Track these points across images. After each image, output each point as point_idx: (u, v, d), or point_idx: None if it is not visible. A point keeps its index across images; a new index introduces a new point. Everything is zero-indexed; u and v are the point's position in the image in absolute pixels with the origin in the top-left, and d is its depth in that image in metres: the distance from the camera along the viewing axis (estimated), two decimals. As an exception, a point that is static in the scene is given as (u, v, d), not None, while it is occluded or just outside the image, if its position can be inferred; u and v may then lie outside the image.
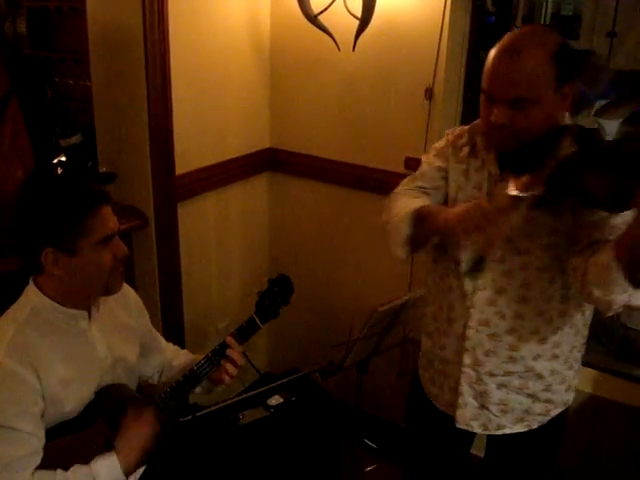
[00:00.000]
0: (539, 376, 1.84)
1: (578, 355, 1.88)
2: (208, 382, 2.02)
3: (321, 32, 2.65)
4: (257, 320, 2.02)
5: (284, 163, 3.14)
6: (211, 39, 2.70)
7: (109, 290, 1.76)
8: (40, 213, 1.63)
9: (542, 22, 9.87)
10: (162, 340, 2.14)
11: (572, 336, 1.82)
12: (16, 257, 1.72)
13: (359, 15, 2.53)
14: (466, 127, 1.86)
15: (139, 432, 1.76)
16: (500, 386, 1.85)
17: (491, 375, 1.84)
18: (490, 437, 1.96)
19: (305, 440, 2.74)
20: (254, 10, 2.87)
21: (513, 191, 1.51)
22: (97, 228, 1.64)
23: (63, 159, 2.60)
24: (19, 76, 2.37)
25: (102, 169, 2.56)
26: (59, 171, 2.57)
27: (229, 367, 1.96)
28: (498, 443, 1.97)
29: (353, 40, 2.60)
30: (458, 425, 1.92)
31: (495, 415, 1.88)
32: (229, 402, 2.57)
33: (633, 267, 1.42)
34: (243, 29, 2.85)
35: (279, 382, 2.71)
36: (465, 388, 1.88)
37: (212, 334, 2.99)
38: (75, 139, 2.58)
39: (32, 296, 1.70)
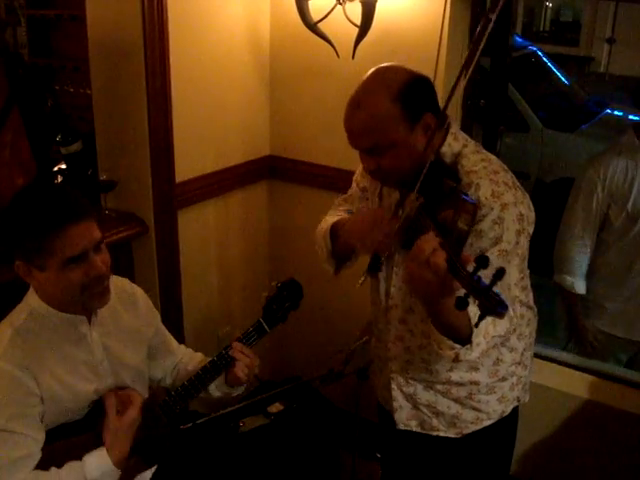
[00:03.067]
0: (459, 384, 1.87)
1: (511, 368, 1.88)
2: (225, 385, 2.00)
3: (321, 40, 2.66)
4: (264, 324, 1.98)
5: (284, 170, 3.14)
6: (211, 47, 2.71)
7: (87, 308, 1.73)
8: (11, 226, 1.62)
9: (542, 28, 9.93)
10: (174, 342, 2.12)
11: (491, 350, 1.79)
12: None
13: (358, 23, 2.54)
14: None
15: (124, 420, 1.75)
16: (427, 388, 1.91)
17: (414, 379, 1.91)
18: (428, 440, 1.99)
19: (305, 447, 2.74)
20: (254, 18, 2.87)
21: None
22: (62, 248, 1.58)
23: (63, 167, 2.61)
24: (19, 84, 2.38)
25: (102, 176, 2.56)
26: (59, 179, 2.58)
27: (239, 367, 1.93)
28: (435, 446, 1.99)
29: (352, 48, 2.60)
30: (398, 427, 1.98)
31: (427, 416, 1.93)
32: (229, 409, 2.56)
33: (445, 332, 1.52)
34: (243, 37, 2.85)
35: (279, 389, 2.71)
36: (397, 392, 1.96)
37: (213, 341, 2.99)
38: (75, 147, 2.60)
39: (31, 300, 1.71)
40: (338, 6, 2.58)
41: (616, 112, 6.35)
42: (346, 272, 3.06)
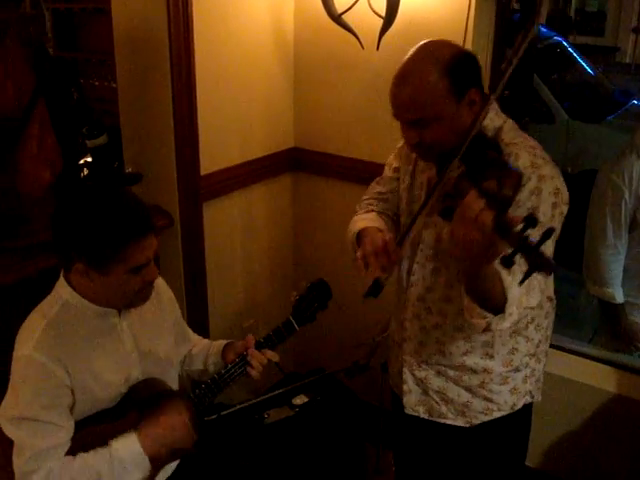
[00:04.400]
0: (472, 370, 1.87)
1: (525, 359, 1.87)
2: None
3: (345, 31, 2.65)
4: (294, 322, 2.02)
5: (308, 162, 3.13)
6: (235, 39, 2.71)
7: (131, 306, 1.78)
8: (81, 229, 1.61)
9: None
10: (189, 331, 2.16)
11: (507, 338, 1.82)
12: (48, 255, 1.72)
13: (383, 14, 2.52)
14: None
15: (170, 424, 1.76)
16: (438, 374, 1.92)
17: (427, 363, 1.92)
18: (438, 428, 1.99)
19: (330, 439, 2.75)
20: (278, 10, 2.87)
21: None
22: (134, 257, 1.62)
23: (89, 160, 2.62)
24: (45, 77, 2.39)
25: (128, 169, 2.58)
26: (85, 172, 2.59)
27: (250, 371, 1.96)
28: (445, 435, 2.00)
29: (377, 39, 2.59)
30: (406, 411, 2.00)
31: (437, 403, 1.94)
32: (254, 401, 2.58)
33: (479, 299, 1.52)
34: (267, 29, 2.85)
35: (304, 381, 2.72)
36: (408, 375, 1.97)
37: (237, 333, 3.00)
38: (101, 140, 2.59)
39: (63, 292, 1.72)
40: (363, -3, 2.57)
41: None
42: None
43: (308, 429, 2.71)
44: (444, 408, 1.94)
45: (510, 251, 1.26)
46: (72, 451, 1.68)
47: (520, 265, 1.29)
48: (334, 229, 3.16)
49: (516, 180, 1.47)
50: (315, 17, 2.78)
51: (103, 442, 1.70)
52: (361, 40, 2.66)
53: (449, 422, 1.95)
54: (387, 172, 2.07)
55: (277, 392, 2.65)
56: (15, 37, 2.21)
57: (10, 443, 1.67)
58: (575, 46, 6.57)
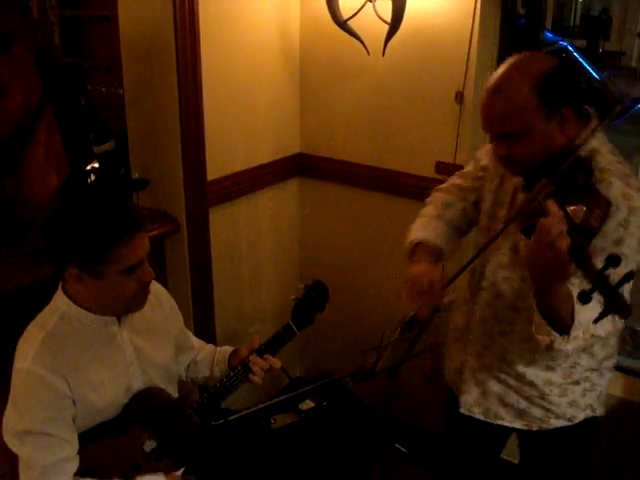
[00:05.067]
0: (531, 384, 1.87)
1: (588, 374, 1.86)
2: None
3: (351, 37, 2.65)
4: (293, 327, 2.01)
5: (314, 168, 3.14)
6: (241, 45, 2.72)
7: (129, 311, 1.76)
8: (70, 233, 1.61)
9: (572, 23, 9.80)
10: (192, 338, 2.15)
11: (573, 354, 1.79)
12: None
13: (389, 20, 2.53)
14: None
15: None
16: (499, 380, 1.92)
17: (489, 368, 1.93)
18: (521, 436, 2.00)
19: (336, 445, 2.74)
20: (284, 15, 2.88)
21: None
22: (126, 257, 1.60)
23: (96, 166, 2.63)
24: (53, 84, 2.40)
25: (135, 175, 2.59)
26: (92, 178, 2.60)
27: (252, 377, 1.96)
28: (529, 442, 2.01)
29: (383, 45, 2.60)
30: (461, 410, 2.00)
31: (494, 405, 1.94)
32: (260, 406, 2.58)
33: (547, 316, 1.54)
34: (273, 34, 2.86)
35: (310, 387, 2.71)
36: (469, 375, 1.98)
37: (244, 338, 2.99)
38: (108, 146, 2.61)
39: (60, 303, 1.71)
40: (368, 3, 2.57)
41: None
42: (378, 268, 3.08)
43: (314, 434, 2.70)
44: (502, 411, 1.95)
45: (589, 288, 1.28)
46: (81, 468, 1.67)
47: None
48: (341, 235, 3.17)
49: (604, 211, 1.46)
50: (321, 23, 2.78)
51: (110, 456, 1.72)
52: (367, 46, 2.67)
53: (506, 424, 1.95)
54: (471, 167, 2.03)
55: (283, 397, 2.64)
56: (22, 44, 2.21)
57: (15, 455, 1.66)
58: (580, 50, 6.55)
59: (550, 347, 1.60)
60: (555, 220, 1.36)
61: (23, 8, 2.46)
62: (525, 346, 1.81)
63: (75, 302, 1.70)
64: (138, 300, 1.73)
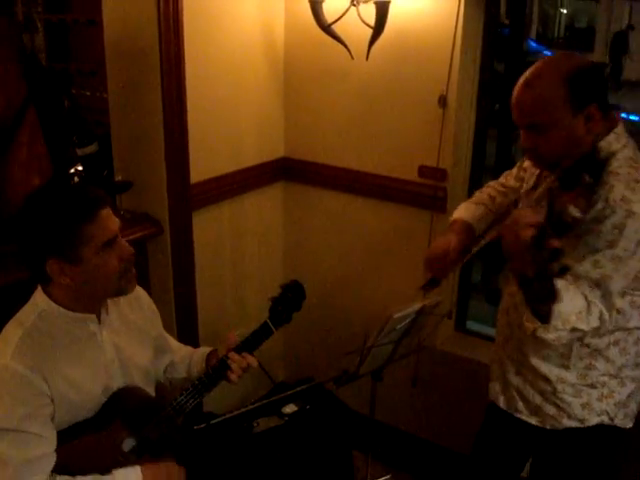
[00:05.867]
0: (545, 378, 1.90)
1: (605, 379, 1.86)
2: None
3: (334, 41, 2.67)
4: (271, 325, 2.02)
5: (298, 172, 3.15)
6: (225, 48, 2.73)
7: (122, 292, 1.76)
8: (37, 225, 1.62)
9: (556, 35, 9.92)
10: (171, 340, 2.15)
11: (587, 354, 1.83)
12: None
13: (372, 24, 2.55)
14: None
15: (170, 472, 1.81)
16: (518, 373, 1.97)
17: (511, 359, 1.99)
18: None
19: (319, 449, 2.73)
20: (268, 19, 2.89)
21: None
22: (97, 234, 1.61)
23: (80, 168, 2.62)
24: (37, 85, 2.41)
25: (118, 177, 2.58)
26: (75, 180, 2.60)
27: (230, 375, 1.95)
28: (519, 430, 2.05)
29: (366, 49, 2.61)
30: (489, 396, 2.08)
31: (514, 397, 2.00)
32: (243, 410, 2.57)
33: (530, 304, 1.62)
34: (257, 38, 2.87)
35: (294, 390, 2.71)
36: (495, 365, 2.06)
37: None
38: (91, 148, 2.61)
39: (40, 302, 1.71)
40: (352, 8, 2.59)
41: (632, 117, 6.33)
42: (361, 271, 3.09)
43: (297, 438, 2.69)
44: (520, 404, 1.98)
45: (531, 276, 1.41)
46: (58, 464, 1.65)
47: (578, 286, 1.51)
48: (325, 238, 3.18)
49: (583, 210, 1.50)
50: (305, 27, 2.80)
51: (89, 453, 1.70)
52: (350, 50, 2.68)
53: (524, 418, 1.99)
54: (515, 169, 2.14)
55: (266, 401, 2.64)
56: (6, 45, 2.22)
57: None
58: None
59: (534, 335, 1.66)
60: (527, 212, 1.46)
61: (7, 9, 2.45)
62: (539, 340, 1.82)
63: (54, 301, 1.69)
64: (127, 279, 1.72)
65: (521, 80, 1.74)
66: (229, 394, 2.15)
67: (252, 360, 1.97)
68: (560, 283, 1.56)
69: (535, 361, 1.89)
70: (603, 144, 1.72)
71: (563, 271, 1.37)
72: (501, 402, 2.04)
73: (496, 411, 2.08)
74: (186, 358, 2.09)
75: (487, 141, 2.97)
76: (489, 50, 2.71)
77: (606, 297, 1.66)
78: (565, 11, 9.63)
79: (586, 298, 1.64)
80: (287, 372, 3.49)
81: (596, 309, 1.65)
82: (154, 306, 2.04)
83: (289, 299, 2.06)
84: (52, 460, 1.64)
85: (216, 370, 1.93)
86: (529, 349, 1.89)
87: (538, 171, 1.96)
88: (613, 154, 1.71)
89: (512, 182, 2.12)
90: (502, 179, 2.18)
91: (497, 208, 2.09)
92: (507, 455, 2.20)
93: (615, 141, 1.74)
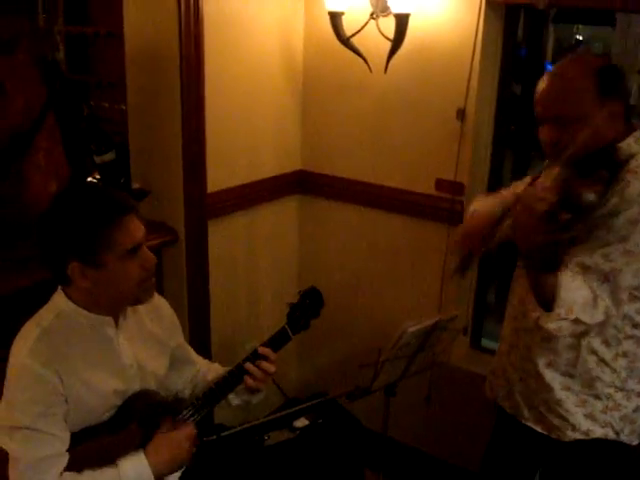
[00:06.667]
0: (549, 388, 1.87)
1: (610, 391, 1.83)
2: (246, 392, 1.99)
3: (353, 54, 2.68)
4: (289, 331, 2.00)
5: (314, 185, 3.14)
6: (245, 60, 2.74)
7: (139, 301, 1.75)
8: (62, 227, 1.61)
9: (572, 60, 9.89)
10: (193, 353, 2.12)
11: (594, 364, 1.81)
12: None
13: (391, 37, 2.55)
14: None
15: (176, 439, 1.77)
16: (522, 380, 1.95)
17: (514, 367, 1.97)
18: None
19: (330, 463, 2.70)
20: (287, 32, 2.91)
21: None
22: (121, 240, 1.60)
23: (97, 176, 2.63)
24: (56, 92, 2.42)
25: (135, 185, 2.59)
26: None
27: (247, 379, 1.93)
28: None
29: (385, 62, 2.62)
30: (497, 400, 2.07)
31: (519, 404, 1.98)
32: (255, 423, 2.54)
33: (534, 291, 1.64)
34: (276, 51, 2.89)
35: (306, 404, 2.68)
36: (500, 371, 2.04)
37: (239, 354, 2.96)
38: (109, 156, 2.62)
39: (59, 302, 1.70)
40: (371, 21, 2.60)
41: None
42: (376, 285, 3.06)
43: (308, 452, 2.67)
44: (526, 412, 1.96)
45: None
46: (72, 465, 1.64)
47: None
48: (340, 252, 3.16)
49: (599, 196, 1.55)
50: (324, 39, 2.81)
51: (105, 455, 1.68)
52: (369, 63, 2.69)
53: (530, 424, 1.96)
54: (526, 178, 2.11)
55: (278, 415, 2.61)
56: (27, 50, 2.24)
57: (5, 452, 1.63)
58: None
59: (537, 324, 1.67)
60: (542, 186, 1.48)
61: (29, 14, 2.47)
62: (547, 345, 1.84)
63: (74, 301, 1.69)
64: (145, 288, 1.71)
65: (548, 73, 1.74)
66: (240, 409, 2.14)
67: (268, 366, 1.94)
68: (567, 272, 1.58)
69: (541, 368, 1.87)
70: (623, 145, 1.71)
71: (572, 241, 1.40)
72: (507, 406, 2.03)
73: (504, 420, 2.07)
74: (206, 368, 2.08)
75: (504, 163, 2.97)
76: (508, 64, 2.71)
77: (615, 292, 1.65)
78: (581, 37, 9.65)
79: (593, 291, 1.64)
80: (300, 387, 3.46)
81: (602, 303, 1.65)
82: (175, 317, 2.02)
83: (307, 305, 2.05)
84: (64, 460, 1.63)
85: (232, 375, 1.92)
86: (536, 355, 1.88)
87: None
88: (632, 155, 1.71)
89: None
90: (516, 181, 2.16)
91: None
92: (516, 466, 2.16)
93: (635, 143, 1.73)
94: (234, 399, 2.02)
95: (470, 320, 2.98)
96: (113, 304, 1.73)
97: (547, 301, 1.61)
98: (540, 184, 1.52)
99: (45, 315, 1.69)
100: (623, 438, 1.88)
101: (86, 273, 1.62)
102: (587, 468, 1.95)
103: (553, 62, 8.01)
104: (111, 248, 1.60)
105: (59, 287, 1.72)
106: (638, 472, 2.03)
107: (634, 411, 1.87)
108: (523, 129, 4.03)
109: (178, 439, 1.77)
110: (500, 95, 2.73)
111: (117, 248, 1.60)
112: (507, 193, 2.06)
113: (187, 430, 1.81)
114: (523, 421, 1.97)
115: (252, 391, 1.98)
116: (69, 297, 1.69)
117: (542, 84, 1.75)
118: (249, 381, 1.92)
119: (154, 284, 1.76)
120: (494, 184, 2.85)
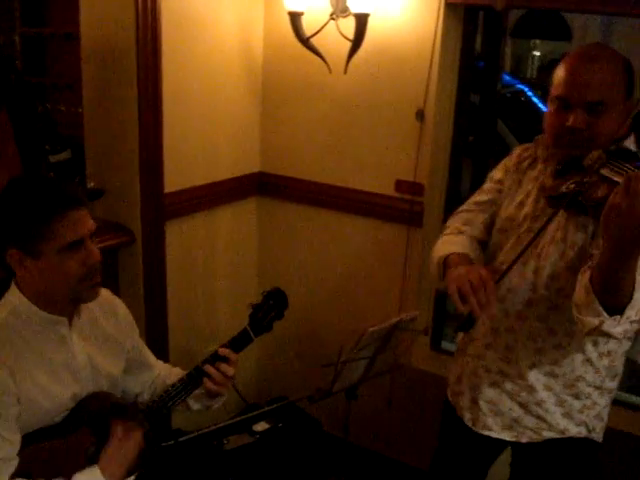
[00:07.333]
0: (531, 388, 1.83)
1: (590, 390, 1.83)
2: (206, 397, 1.94)
3: (313, 55, 2.68)
4: (250, 332, 1.94)
5: (274, 187, 3.12)
6: (203, 60, 2.72)
7: (80, 299, 1.69)
8: (3, 212, 1.58)
9: (529, 75, 10.11)
10: (151, 356, 2.06)
11: (580, 364, 1.79)
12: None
13: (351, 37, 2.56)
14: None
15: (125, 447, 1.71)
16: (493, 385, 1.87)
17: (487, 370, 1.88)
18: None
19: (290, 468, 2.67)
20: (247, 32, 2.89)
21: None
22: (62, 233, 1.55)
23: (51, 175, 2.57)
24: (10, 88, 2.37)
25: (90, 185, 2.53)
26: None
27: (209, 382, 1.87)
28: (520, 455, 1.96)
29: (345, 62, 2.62)
30: (457, 412, 1.98)
31: (484, 413, 1.90)
32: (213, 428, 2.50)
33: (605, 292, 1.48)
34: (235, 50, 2.87)
35: (266, 409, 2.65)
36: (465, 377, 1.95)
37: (198, 357, 2.92)
38: (64, 155, 2.57)
39: (12, 297, 1.65)
40: (331, 21, 2.60)
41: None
42: (335, 287, 3.05)
43: (268, 456, 2.63)
44: (490, 420, 1.90)
45: None
46: (21, 469, 1.58)
47: None
48: (299, 254, 3.14)
49: None
50: (284, 40, 2.80)
51: (53, 459, 1.63)
52: (329, 63, 2.69)
53: (493, 435, 1.90)
54: (487, 184, 2.02)
55: (238, 419, 2.57)
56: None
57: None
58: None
59: (598, 329, 1.53)
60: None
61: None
62: (532, 345, 1.80)
63: (25, 296, 1.64)
64: (87, 287, 1.65)
65: (582, 55, 1.67)
66: (198, 415, 2.09)
67: (227, 368, 1.88)
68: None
69: (524, 369, 1.82)
70: (628, 143, 1.71)
71: None
72: (466, 419, 1.95)
73: (455, 423, 2.00)
74: (166, 372, 2.02)
75: (463, 171, 2.99)
76: (467, 65, 2.74)
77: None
78: (538, 53, 9.86)
79: None
80: (260, 391, 3.41)
81: None
82: (131, 317, 1.97)
83: (271, 306, 1.98)
84: (14, 464, 1.57)
85: (191, 377, 1.86)
86: (520, 355, 1.82)
87: (519, 176, 1.88)
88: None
89: (487, 197, 2.00)
90: (474, 198, 2.05)
91: (477, 231, 1.97)
92: (466, 471, 2.10)
93: (634, 144, 1.73)
94: (194, 404, 1.96)
95: (431, 321, 2.98)
96: (58, 300, 1.66)
97: (618, 305, 1.48)
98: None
99: None
100: (594, 436, 1.89)
101: (25, 262, 1.58)
102: (560, 467, 1.93)
103: (510, 74, 8.19)
104: (50, 239, 1.55)
105: (12, 281, 1.67)
106: (603, 469, 2.03)
107: (604, 407, 1.88)
108: (481, 138, 4.07)
109: (128, 447, 1.71)
110: (459, 96, 2.76)
111: (57, 240, 1.55)
112: (470, 222, 1.98)
113: (136, 437, 1.74)
114: (485, 432, 1.91)
115: (212, 395, 1.92)
116: (21, 291, 1.64)
117: (576, 65, 1.65)
118: (209, 384, 1.85)
119: (99, 283, 1.69)
120: (453, 185, 2.86)
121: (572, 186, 1.60)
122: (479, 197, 2.02)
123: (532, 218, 1.79)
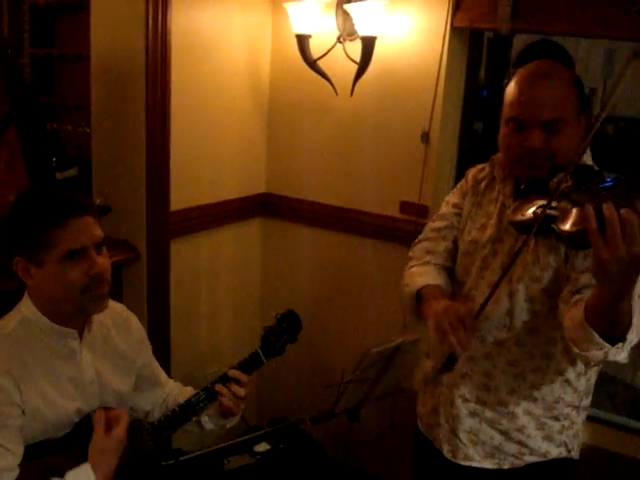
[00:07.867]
0: (511, 414, 1.80)
1: (568, 411, 1.81)
2: (219, 417, 1.92)
3: (320, 77, 2.71)
4: (261, 355, 1.92)
5: (279, 208, 3.13)
6: (211, 81, 2.75)
7: (85, 310, 1.65)
8: (11, 220, 1.60)
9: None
10: (163, 375, 2.04)
11: (558, 385, 1.77)
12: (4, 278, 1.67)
13: (358, 60, 2.58)
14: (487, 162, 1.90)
15: (112, 435, 1.66)
16: (472, 414, 1.83)
17: (464, 400, 1.83)
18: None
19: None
20: (255, 54, 2.93)
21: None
22: (63, 240, 1.54)
23: (58, 190, 2.59)
24: (20, 104, 2.38)
25: (96, 201, 2.55)
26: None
27: (223, 400, 1.85)
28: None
29: (351, 85, 2.65)
30: (435, 444, 1.91)
31: (464, 444, 1.84)
32: (214, 448, 2.48)
33: (604, 325, 1.44)
34: (243, 72, 2.90)
35: (267, 429, 2.63)
36: (441, 408, 1.88)
37: (200, 379, 2.90)
38: (71, 172, 2.59)
39: (23, 308, 1.65)
40: (338, 44, 2.64)
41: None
42: (339, 309, 3.04)
43: (269, 477, 2.61)
44: (471, 451, 1.84)
45: None
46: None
47: None
48: (303, 275, 3.14)
49: None
50: (291, 62, 2.83)
51: (50, 474, 1.59)
52: (335, 86, 2.72)
53: (474, 465, 1.84)
54: (443, 209, 1.98)
55: (239, 440, 2.55)
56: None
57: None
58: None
59: (605, 359, 1.52)
60: (630, 211, 1.28)
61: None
62: (512, 370, 1.76)
63: (36, 307, 1.63)
64: (91, 297, 1.61)
65: (534, 74, 1.64)
66: (199, 435, 2.07)
67: (237, 389, 1.86)
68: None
69: (504, 395, 1.78)
70: (585, 158, 1.69)
71: None
72: (445, 451, 1.87)
73: (432, 456, 1.93)
74: (178, 391, 2.00)
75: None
76: (472, 88, 2.77)
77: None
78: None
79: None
80: (261, 412, 3.39)
81: None
82: (144, 334, 1.95)
83: (284, 329, 1.97)
84: (14, 475, 1.55)
85: (199, 398, 1.85)
86: (499, 382, 1.78)
87: (477, 199, 1.85)
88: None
89: (446, 222, 1.94)
90: (432, 225, 1.99)
91: (441, 259, 1.92)
92: None
93: (590, 158, 1.73)
94: (207, 423, 1.94)
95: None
96: (63, 311, 1.64)
97: (618, 333, 1.44)
98: (628, 211, 1.29)
99: (8, 322, 1.64)
100: (573, 455, 1.87)
101: (30, 271, 1.58)
102: None
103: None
104: (51, 247, 1.54)
105: (25, 292, 1.66)
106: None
107: (580, 425, 1.87)
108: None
109: (115, 435, 1.66)
110: (463, 119, 2.78)
111: (58, 248, 1.54)
112: (432, 252, 1.93)
113: (123, 420, 1.69)
114: (466, 463, 1.85)
115: (226, 415, 1.91)
116: (33, 301, 1.64)
117: (529, 85, 1.62)
118: (224, 400, 1.84)
119: (105, 295, 1.66)
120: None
121: (539, 211, 1.54)
122: (437, 223, 1.97)
123: (496, 239, 1.77)
